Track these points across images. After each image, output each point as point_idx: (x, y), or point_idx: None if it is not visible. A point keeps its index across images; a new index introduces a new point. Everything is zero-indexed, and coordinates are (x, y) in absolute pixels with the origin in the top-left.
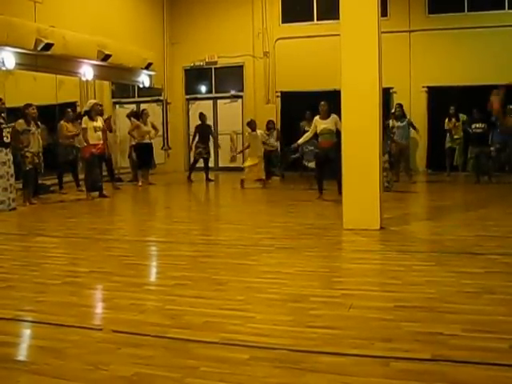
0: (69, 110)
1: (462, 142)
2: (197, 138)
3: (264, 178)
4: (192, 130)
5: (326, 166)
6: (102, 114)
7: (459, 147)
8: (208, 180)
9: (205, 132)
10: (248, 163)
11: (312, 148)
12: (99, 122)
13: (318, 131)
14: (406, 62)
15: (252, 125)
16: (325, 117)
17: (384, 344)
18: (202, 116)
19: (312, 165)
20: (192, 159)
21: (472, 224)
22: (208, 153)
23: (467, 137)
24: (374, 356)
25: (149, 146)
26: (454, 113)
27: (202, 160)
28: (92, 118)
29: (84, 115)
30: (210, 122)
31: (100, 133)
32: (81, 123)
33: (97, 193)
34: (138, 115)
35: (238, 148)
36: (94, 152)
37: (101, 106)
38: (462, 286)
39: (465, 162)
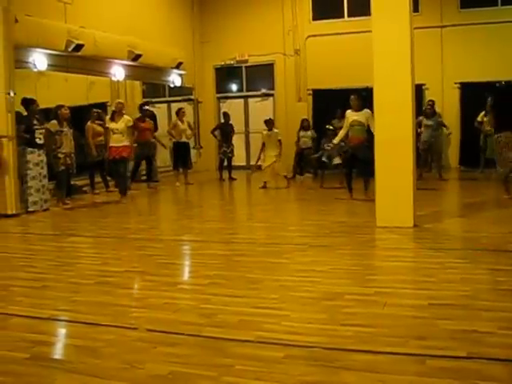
0: (94, 110)
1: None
2: (219, 137)
3: (285, 175)
4: None
5: (355, 165)
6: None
7: (490, 139)
8: (231, 179)
9: (227, 131)
10: (265, 164)
11: (331, 146)
12: (120, 124)
13: (349, 123)
14: (438, 58)
15: (269, 124)
16: (357, 110)
17: (419, 342)
18: (225, 115)
19: (337, 161)
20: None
21: (506, 221)
22: (232, 151)
23: None
24: (409, 354)
25: (186, 146)
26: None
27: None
28: (113, 119)
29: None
30: (241, 120)
31: (119, 135)
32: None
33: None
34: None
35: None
36: (115, 156)
37: (120, 103)
38: (496, 284)
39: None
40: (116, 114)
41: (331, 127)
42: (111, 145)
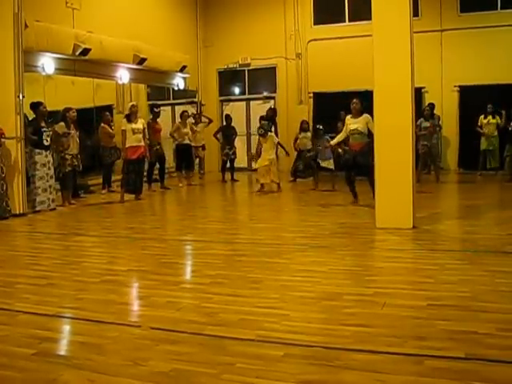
0: (107, 113)
1: (497, 142)
2: (221, 140)
3: (277, 181)
4: None
5: (355, 170)
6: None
7: (494, 149)
8: (233, 180)
9: (229, 133)
10: (258, 164)
11: (326, 145)
12: (139, 124)
13: (348, 131)
14: (437, 62)
15: (265, 127)
16: (356, 116)
17: (417, 342)
18: (227, 117)
19: (325, 164)
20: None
21: (505, 223)
22: (234, 153)
23: (503, 136)
24: (407, 354)
25: (189, 147)
26: (492, 111)
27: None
28: (130, 120)
29: (125, 118)
30: (243, 123)
31: (140, 135)
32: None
33: (132, 196)
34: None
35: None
36: (136, 157)
37: (135, 106)
38: (495, 285)
39: (501, 161)
40: (132, 116)
41: (321, 127)
42: (133, 145)
